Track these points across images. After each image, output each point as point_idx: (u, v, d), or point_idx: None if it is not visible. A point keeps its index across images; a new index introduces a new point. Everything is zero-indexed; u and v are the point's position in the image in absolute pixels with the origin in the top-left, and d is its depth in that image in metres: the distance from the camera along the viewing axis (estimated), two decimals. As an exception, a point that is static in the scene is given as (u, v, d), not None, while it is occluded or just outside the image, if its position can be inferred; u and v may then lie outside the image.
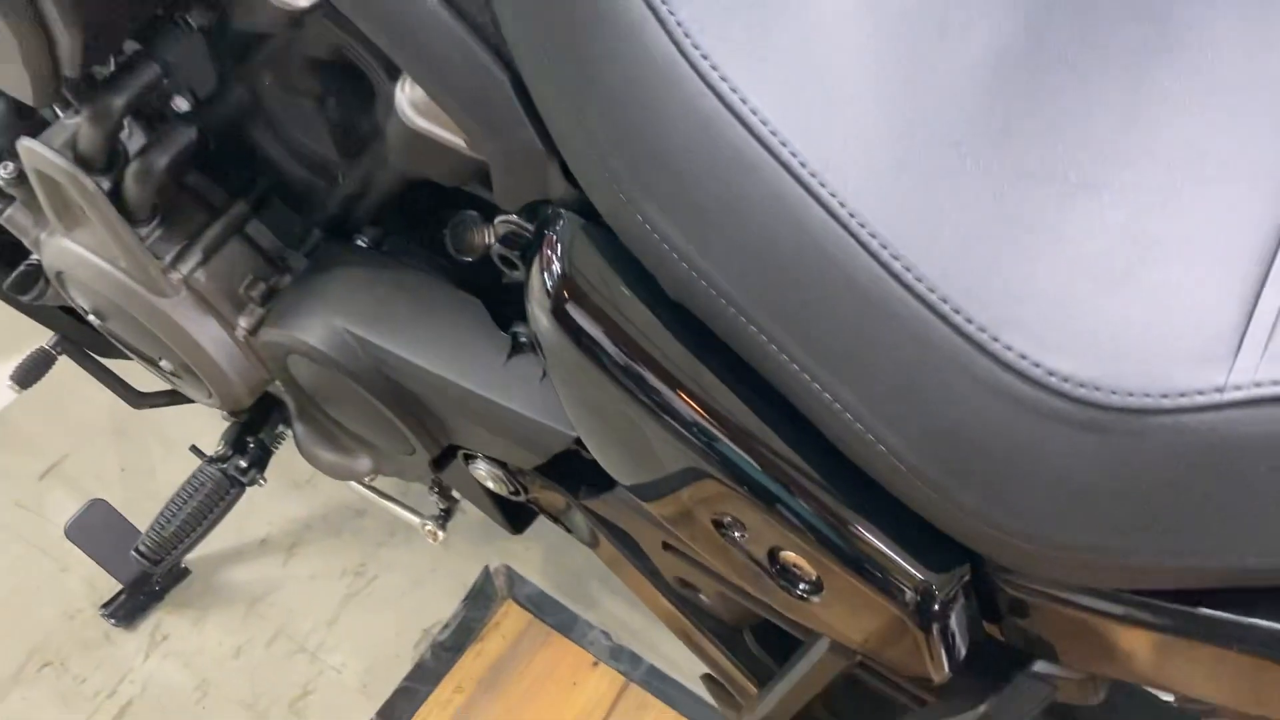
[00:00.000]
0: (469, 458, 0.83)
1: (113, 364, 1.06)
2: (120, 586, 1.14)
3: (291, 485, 1.27)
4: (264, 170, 0.85)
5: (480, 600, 1.21)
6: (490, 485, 0.84)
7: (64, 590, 1.17)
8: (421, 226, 0.83)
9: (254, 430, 1.04)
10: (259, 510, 1.25)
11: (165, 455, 1.27)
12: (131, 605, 1.15)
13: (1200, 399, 0.40)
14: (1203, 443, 0.40)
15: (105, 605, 1.15)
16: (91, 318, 0.93)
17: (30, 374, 1.04)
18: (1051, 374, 0.42)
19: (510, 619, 1.19)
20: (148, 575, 1.14)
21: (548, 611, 1.20)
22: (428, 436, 0.81)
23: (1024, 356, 0.42)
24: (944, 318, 0.43)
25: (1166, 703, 0.70)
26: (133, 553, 1.02)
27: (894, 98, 0.47)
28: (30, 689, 1.10)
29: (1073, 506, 0.44)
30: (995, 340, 0.42)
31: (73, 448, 1.28)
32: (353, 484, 1.07)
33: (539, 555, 1.24)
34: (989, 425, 0.43)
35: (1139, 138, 0.46)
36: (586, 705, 1.14)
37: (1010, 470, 0.44)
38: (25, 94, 0.69)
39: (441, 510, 1.02)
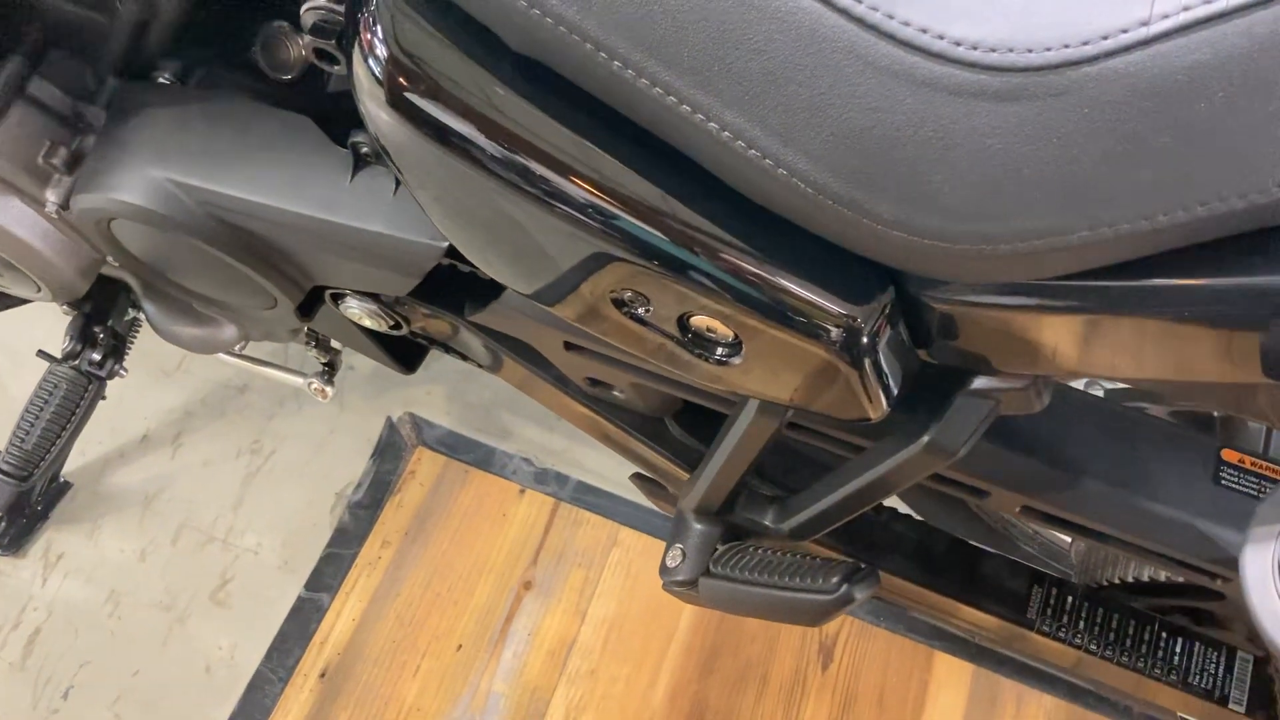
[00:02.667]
0: (336, 298, 0.76)
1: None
2: (-2, 515, 1.06)
3: (161, 374, 1.18)
4: (31, 18, 0.73)
5: (389, 453, 1.15)
6: (368, 323, 0.78)
7: (-64, 529, 1.07)
8: (227, 49, 0.73)
9: (101, 319, 0.94)
10: (132, 406, 1.16)
11: (13, 368, 1.16)
12: (16, 531, 1.07)
13: (1125, 38, 0.35)
14: (1134, 87, 0.36)
15: (-13, 532, 1.06)
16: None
17: None
18: (958, 44, 0.36)
19: (425, 465, 1.14)
20: (24, 495, 1.05)
21: (462, 450, 1.16)
22: (285, 281, 0.73)
23: (924, 30, 0.37)
24: (830, 3, 0.37)
25: (1104, 400, 0.69)
26: (-2, 466, 0.93)
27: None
28: (-77, 637, 1.03)
29: (997, 191, 0.39)
30: (890, 18, 0.37)
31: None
32: (225, 357, 0.98)
33: (442, 395, 1.18)
34: (897, 117, 0.38)
35: None
36: (520, 534, 1.11)
37: (926, 163, 0.39)
38: None
39: (324, 365, 0.95)
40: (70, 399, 0.94)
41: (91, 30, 0.73)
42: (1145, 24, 0.35)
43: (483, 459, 1.15)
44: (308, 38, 0.61)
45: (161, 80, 0.73)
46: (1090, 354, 0.47)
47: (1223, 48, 0.34)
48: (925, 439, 0.53)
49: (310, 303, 0.77)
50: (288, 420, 1.17)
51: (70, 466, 1.12)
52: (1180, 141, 0.36)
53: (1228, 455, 0.65)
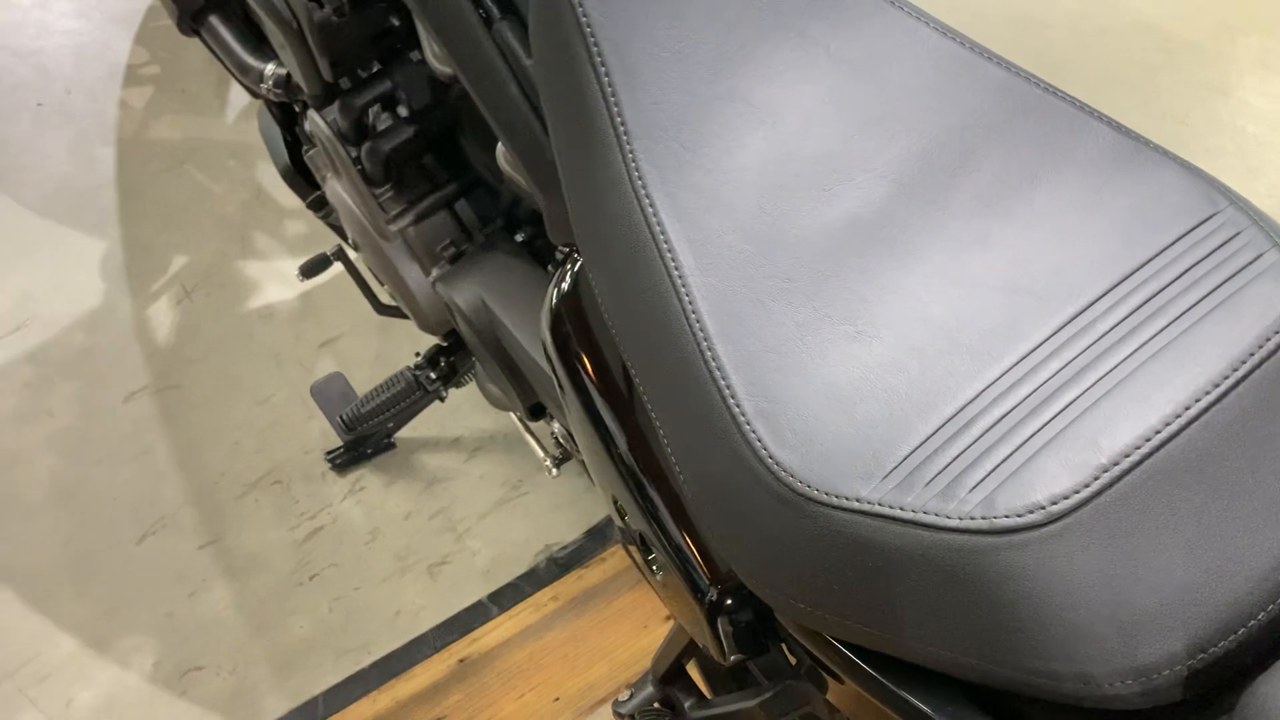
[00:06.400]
0: (552, 418, 1.07)
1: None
2: (342, 443, 1.49)
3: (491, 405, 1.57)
4: (473, 166, 1.12)
5: (597, 537, 1.45)
6: (563, 445, 1.08)
7: (306, 433, 1.54)
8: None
9: (449, 355, 1.33)
10: (462, 417, 1.56)
11: (406, 359, 1.61)
12: (347, 459, 1.50)
13: (843, 501, 0.56)
14: (843, 535, 0.56)
15: (329, 453, 1.51)
16: (352, 248, 1.26)
17: (313, 269, 1.39)
18: (774, 459, 0.58)
19: (614, 559, 1.43)
20: (361, 440, 1.48)
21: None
22: (519, 391, 1.05)
23: (761, 442, 0.59)
24: (723, 396, 0.61)
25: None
26: (337, 417, 1.35)
27: (761, 231, 0.64)
28: (262, 495, 1.48)
29: (780, 566, 0.60)
30: (748, 425, 0.60)
31: (348, 330, 1.65)
32: (511, 415, 1.34)
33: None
34: (735, 486, 0.61)
35: (918, 309, 0.60)
36: (648, 646, 1.35)
37: (745, 529, 0.61)
38: (303, 86, 0.99)
39: (559, 453, 1.27)
40: (402, 395, 1.35)
41: (497, 189, 1.11)
42: (858, 500, 0.55)
43: (659, 579, 1.41)
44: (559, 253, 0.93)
45: (518, 237, 1.08)
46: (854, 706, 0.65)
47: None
48: (753, 702, 0.72)
49: (537, 411, 1.09)
50: (548, 478, 1.50)
51: (402, 435, 1.54)
52: (870, 584, 0.54)
53: None
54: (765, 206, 0.65)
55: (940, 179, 0.65)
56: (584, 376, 0.77)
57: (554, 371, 0.80)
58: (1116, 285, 0.59)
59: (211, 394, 1.57)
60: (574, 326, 0.77)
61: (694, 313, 0.62)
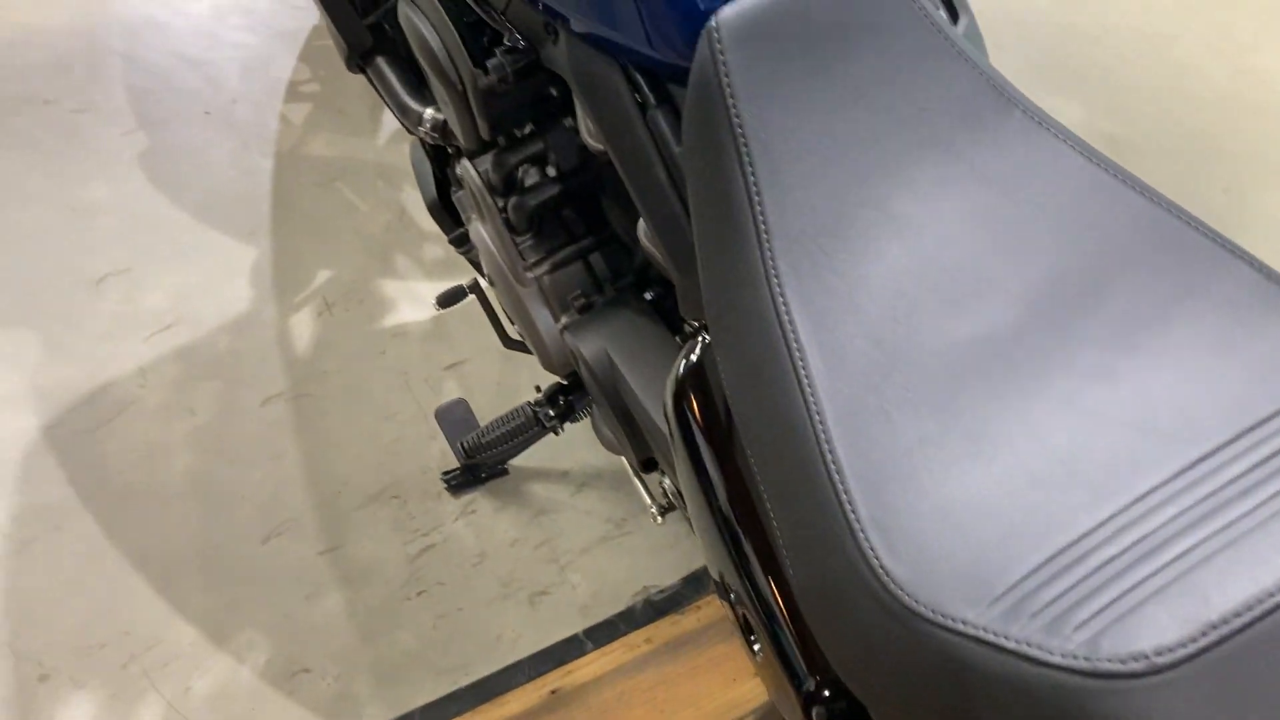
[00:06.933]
0: (662, 471, 1.10)
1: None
2: (459, 466, 1.55)
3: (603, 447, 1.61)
4: (610, 223, 1.16)
5: (694, 584, 1.48)
6: (670, 499, 1.11)
7: (426, 451, 1.60)
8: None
9: (568, 393, 1.37)
10: (574, 450, 1.60)
11: (526, 389, 1.66)
12: (462, 481, 1.56)
13: (949, 622, 0.57)
14: (945, 655, 0.57)
15: (446, 473, 1.57)
16: (487, 283, 1.31)
17: (449, 300, 1.45)
18: (885, 570, 0.60)
19: (710, 608, 1.45)
20: (476, 466, 1.54)
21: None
22: (634, 444, 1.08)
23: (874, 550, 0.61)
24: (840, 500, 0.63)
25: None
26: (458, 443, 1.40)
27: (891, 340, 0.66)
28: (379, 508, 1.55)
29: (880, 671, 0.62)
30: (862, 532, 0.62)
31: (474, 355, 1.71)
32: (624, 459, 1.37)
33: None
34: (843, 588, 0.63)
35: (1040, 436, 0.62)
36: (735, 698, 1.37)
37: (849, 629, 0.63)
38: (460, 138, 1.05)
39: (665, 503, 1.30)
40: (520, 429, 1.39)
41: (639, 256, 1.15)
42: (963, 622, 0.57)
43: (752, 632, 1.43)
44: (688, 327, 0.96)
45: (647, 295, 1.12)
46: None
47: None
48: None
49: (653, 463, 1.12)
50: (650, 522, 1.53)
51: (515, 462, 1.59)
52: (968, 707, 0.56)
53: None
54: (897, 316, 0.67)
55: (1072, 306, 0.66)
56: (702, 450, 0.80)
57: (672, 438, 0.83)
58: (1245, 433, 0.59)
59: (342, 405, 1.65)
60: (697, 401, 0.80)
61: (818, 414, 0.65)
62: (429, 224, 1.77)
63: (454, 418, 1.52)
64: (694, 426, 0.80)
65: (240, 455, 1.59)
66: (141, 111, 2.03)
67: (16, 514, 1.51)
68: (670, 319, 1.11)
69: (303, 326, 1.74)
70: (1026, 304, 0.67)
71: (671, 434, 0.83)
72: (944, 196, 0.70)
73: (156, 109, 2.04)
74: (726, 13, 0.70)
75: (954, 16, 0.89)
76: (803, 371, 0.66)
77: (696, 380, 0.80)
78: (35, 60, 2.10)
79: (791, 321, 0.67)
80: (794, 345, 0.67)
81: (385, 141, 2.02)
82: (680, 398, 0.80)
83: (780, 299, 0.68)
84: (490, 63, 0.92)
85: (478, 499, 1.57)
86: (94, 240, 1.82)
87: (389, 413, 1.64)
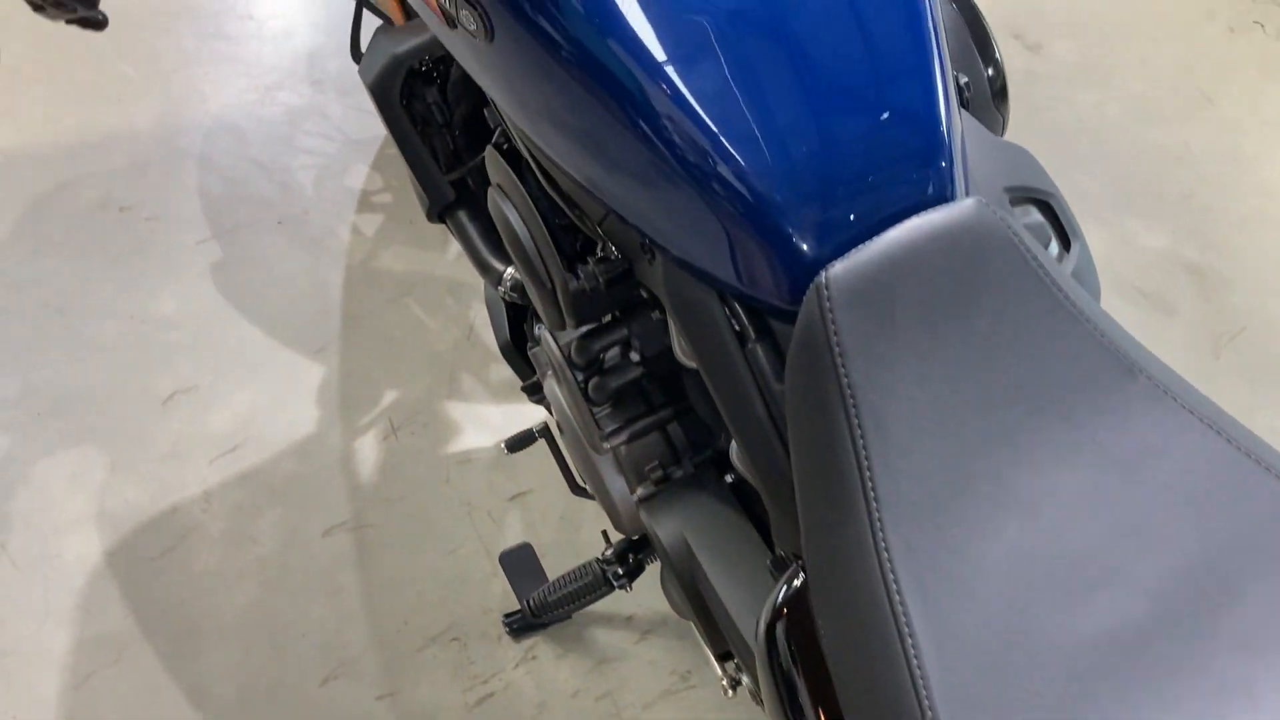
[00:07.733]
0: (739, 666, 1.06)
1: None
2: (520, 608, 1.52)
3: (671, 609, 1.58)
4: (688, 395, 1.14)
5: (759, 745, 1.43)
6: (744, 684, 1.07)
7: (488, 591, 1.57)
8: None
9: (637, 551, 1.34)
10: (640, 596, 1.57)
11: (591, 524, 1.64)
12: (524, 625, 1.53)
13: None
14: None
15: (507, 616, 1.54)
16: (557, 429, 1.29)
17: (517, 445, 1.43)
18: None
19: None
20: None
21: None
22: (710, 637, 1.05)
23: None
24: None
25: None
26: (525, 600, 1.38)
27: (1009, 633, 0.63)
28: (440, 650, 1.52)
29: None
30: None
31: (538, 486, 1.69)
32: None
33: None
34: None
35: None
36: None
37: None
38: (543, 319, 1.03)
39: (735, 676, 1.25)
40: (588, 587, 1.36)
41: (719, 432, 1.12)
42: None
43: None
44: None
45: (728, 478, 1.09)
46: None
47: None
48: None
49: (729, 655, 1.09)
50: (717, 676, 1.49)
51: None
52: None
53: None
54: (1015, 604, 0.64)
55: (1203, 604, 0.62)
56: (795, 693, 0.76)
57: (762, 667, 0.79)
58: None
59: (404, 537, 1.63)
60: (794, 642, 0.76)
61: (930, 710, 0.61)
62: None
63: (519, 564, 1.49)
64: (786, 670, 0.76)
65: (301, 588, 1.57)
66: (214, 219, 2.06)
67: (77, 645, 1.50)
68: (752, 504, 1.08)
69: (368, 450, 1.73)
70: (1155, 599, 0.63)
71: (761, 664, 0.79)
72: (1064, 473, 0.66)
73: (229, 216, 2.06)
74: (836, 269, 0.68)
75: (1066, 243, 0.86)
76: (914, 661, 0.62)
77: (795, 618, 0.76)
78: (116, 165, 2.13)
79: (903, 602, 0.64)
80: (904, 629, 0.63)
81: (454, 255, 2.02)
82: (773, 633, 0.76)
83: (891, 575, 0.65)
84: (582, 269, 0.90)
85: (539, 644, 1.53)
86: (162, 355, 1.83)
87: (451, 546, 1.62)
